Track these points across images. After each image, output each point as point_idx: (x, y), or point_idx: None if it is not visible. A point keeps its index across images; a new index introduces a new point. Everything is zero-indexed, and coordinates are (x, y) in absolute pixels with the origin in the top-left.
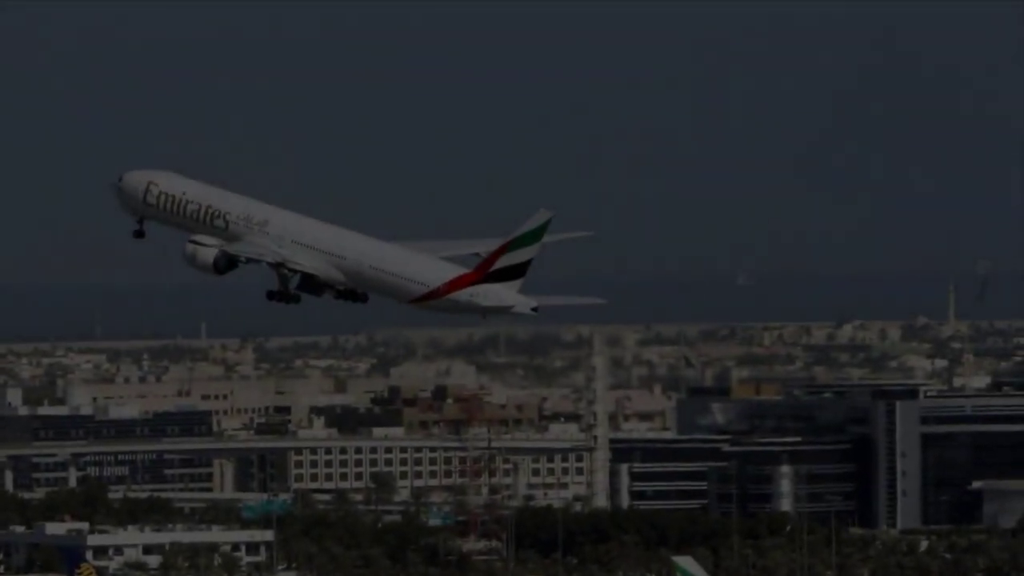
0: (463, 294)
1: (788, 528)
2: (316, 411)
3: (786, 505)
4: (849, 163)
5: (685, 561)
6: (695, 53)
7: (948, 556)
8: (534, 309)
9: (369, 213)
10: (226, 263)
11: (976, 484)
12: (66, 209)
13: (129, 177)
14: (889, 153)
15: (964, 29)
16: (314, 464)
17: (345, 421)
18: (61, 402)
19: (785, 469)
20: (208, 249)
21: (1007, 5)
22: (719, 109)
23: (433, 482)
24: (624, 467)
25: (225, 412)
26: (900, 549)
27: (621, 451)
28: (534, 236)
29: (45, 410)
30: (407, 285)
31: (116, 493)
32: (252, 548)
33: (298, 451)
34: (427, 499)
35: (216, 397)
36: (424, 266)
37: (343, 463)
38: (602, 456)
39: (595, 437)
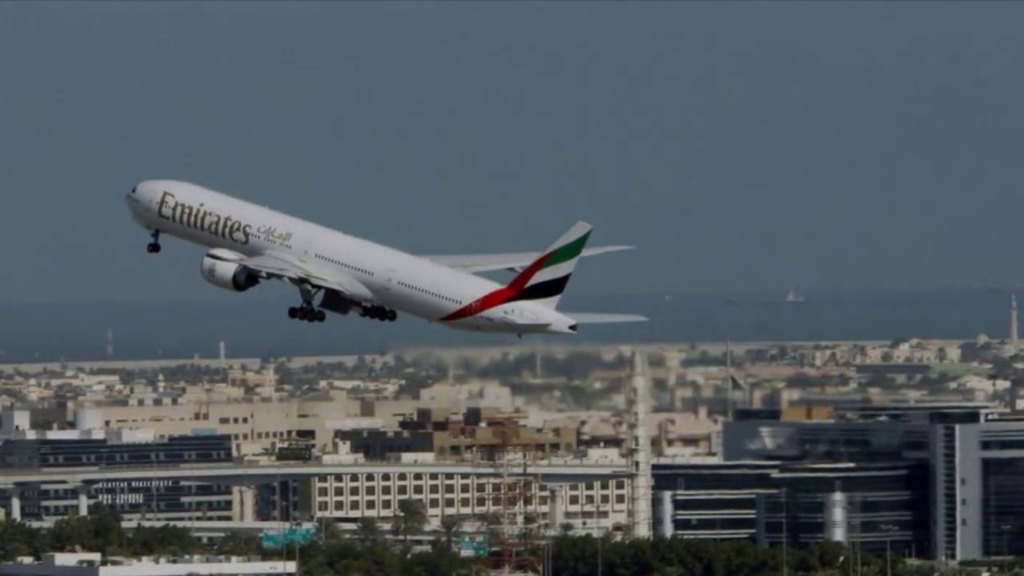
0: (497, 311)
1: (841, 559)
2: (341, 435)
3: (839, 535)
4: (906, 175)
5: None
6: (742, 63)
7: None
8: (572, 327)
9: (398, 226)
10: (246, 278)
11: None
12: (75, 221)
13: (143, 187)
14: (948, 164)
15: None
16: (339, 491)
17: (372, 446)
18: (71, 426)
19: (838, 497)
20: (227, 264)
21: None
22: (771, 119)
23: (465, 510)
24: (667, 494)
25: (245, 436)
26: None
27: (664, 477)
28: (572, 250)
29: (54, 434)
30: (438, 302)
31: (129, 522)
32: None
33: (322, 477)
34: (459, 528)
35: (235, 420)
36: (456, 282)
37: (370, 490)
38: (644, 483)
39: (636, 463)
